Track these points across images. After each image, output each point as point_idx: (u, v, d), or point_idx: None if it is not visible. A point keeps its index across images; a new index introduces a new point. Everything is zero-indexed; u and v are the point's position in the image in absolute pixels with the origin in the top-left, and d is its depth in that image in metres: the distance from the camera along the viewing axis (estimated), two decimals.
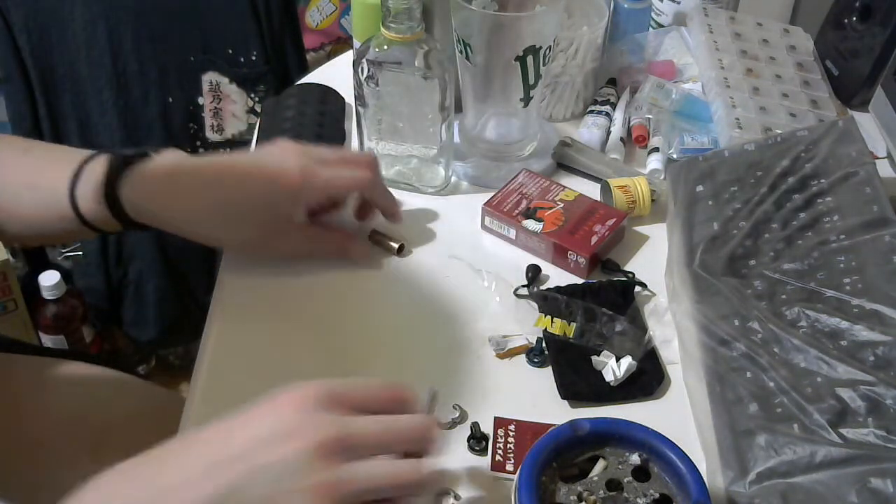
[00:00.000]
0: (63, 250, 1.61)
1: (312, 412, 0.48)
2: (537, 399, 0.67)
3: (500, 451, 0.62)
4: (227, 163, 0.74)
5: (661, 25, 1.06)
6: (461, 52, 0.80)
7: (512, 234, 0.79)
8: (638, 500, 0.53)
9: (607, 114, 0.93)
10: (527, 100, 0.82)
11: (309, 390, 0.48)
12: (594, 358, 0.68)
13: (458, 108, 0.87)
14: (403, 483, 0.49)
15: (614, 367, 0.67)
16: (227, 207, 0.71)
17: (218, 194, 0.71)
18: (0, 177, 0.73)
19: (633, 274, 0.76)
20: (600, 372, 0.68)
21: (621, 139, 0.90)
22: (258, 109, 1.52)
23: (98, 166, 0.70)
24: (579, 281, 0.76)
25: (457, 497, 0.60)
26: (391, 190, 0.79)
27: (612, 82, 0.98)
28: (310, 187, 0.71)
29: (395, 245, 0.78)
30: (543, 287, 0.75)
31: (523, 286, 0.75)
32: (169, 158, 0.71)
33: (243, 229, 0.72)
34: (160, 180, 0.70)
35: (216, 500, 0.46)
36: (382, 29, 0.75)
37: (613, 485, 0.54)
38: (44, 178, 0.72)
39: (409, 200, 0.83)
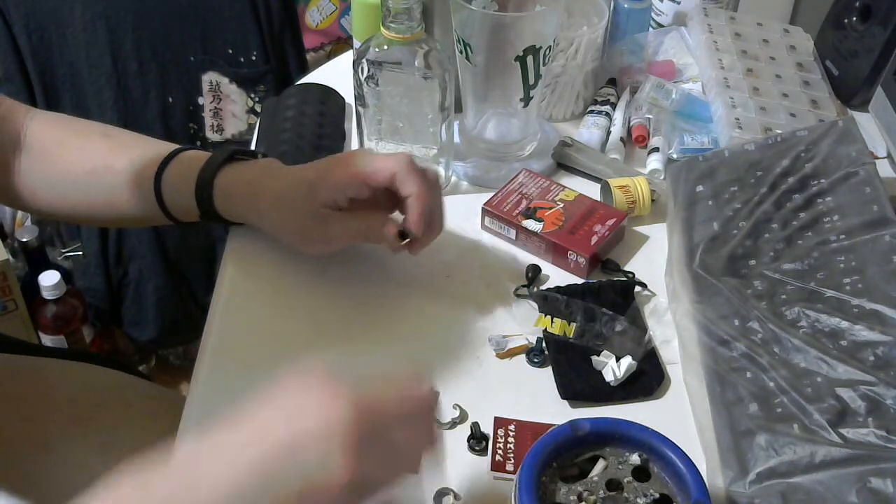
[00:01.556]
0: (63, 250, 1.61)
1: (335, 398, 0.47)
2: (537, 399, 0.67)
3: (500, 451, 0.62)
4: (297, 168, 0.73)
5: (661, 25, 1.06)
6: (461, 52, 0.80)
7: (512, 234, 0.79)
8: (638, 500, 0.53)
9: (607, 114, 0.93)
10: (527, 100, 0.82)
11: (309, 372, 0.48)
12: (594, 358, 0.68)
13: (458, 108, 0.87)
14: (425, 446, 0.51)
15: (614, 367, 0.67)
16: (281, 203, 0.71)
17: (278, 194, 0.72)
18: (71, 157, 0.76)
19: (633, 274, 0.76)
20: (600, 372, 0.68)
21: (621, 139, 0.90)
22: (258, 109, 1.52)
23: (194, 156, 0.74)
24: (579, 281, 0.76)
25: (457, 497, 0.60)
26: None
27: (612, 82, 0.98)
28: (343, 166, 0.70)
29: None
30: (543, 287, 0.75)
31: (523, 286, 0.75)
32: (266, 162, 0.75)
33: (298, 222, 0.71)
34: (252, 179, 0.73)
35: (255, 487, 0.46)
36: (382, 29, 0.75)
37: (613, 485, 0.54)
38: (121, 161, 0.75)
39: None
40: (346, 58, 1.05)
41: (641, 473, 0.54)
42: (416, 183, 0.68)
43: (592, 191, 0.84)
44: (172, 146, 0.76)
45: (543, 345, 0.70)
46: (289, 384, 0.49)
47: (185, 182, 0.72)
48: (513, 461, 0.62)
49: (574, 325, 0.70)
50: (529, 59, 0.79)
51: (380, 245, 0.72)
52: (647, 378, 0.68)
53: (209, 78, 1.49)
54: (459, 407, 0.65)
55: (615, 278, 0.76)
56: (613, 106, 0.94)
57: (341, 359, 0.51)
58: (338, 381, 0.48)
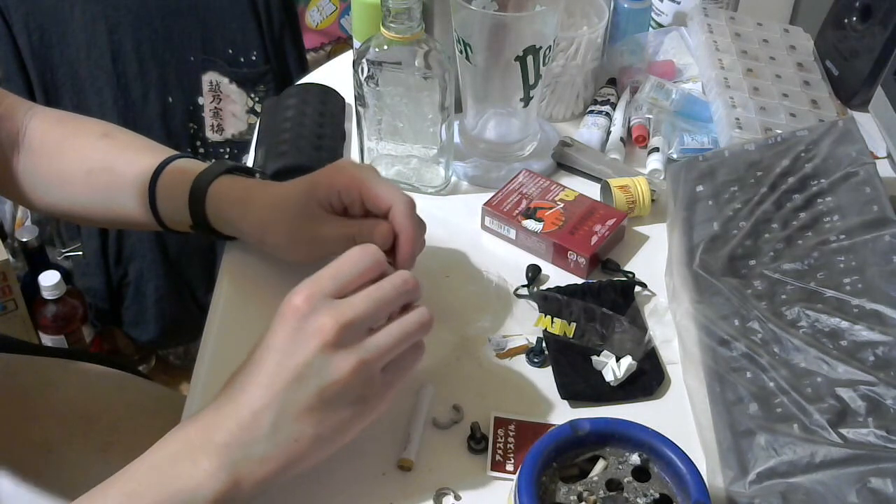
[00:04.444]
0: (63, 250, 1.61)
1: (308, 317, 0.54)
2: (537, 399, 0.67)
3: (500, 451, 0.62)
4: (296, 179, 0.72)
5: (661, 25, 1.06)
6: (461, 52, 0.80)
7: (512, 234, 0.79)
8: (638, 500, 0.53)
9: (607, 114, 0.93)
10: (527, 100, 0.82)
11: (296, 300, 0.54)
12: (594, 358, 0.68)
13: (458, 108, 0.87)
14: (415, 332, 0.57)
15: (614, 367, 0.67)
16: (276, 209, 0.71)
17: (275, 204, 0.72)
18: (70, 157, 0.76)
19: (633, 274, 0.76)
20: (600, 372, 0.68)
21: (621, 139, 0.90)
22: (258, 109, 1.52)
23: (190, 165, 0.73)
24: (579, 281, 0.76)
25: (457, 497, 0.60)
26: None
27: (612, 82, 0.98)
28: (347, 172, 0.68)
29: None
30: (543, 287, 0.75)
31: (523, 286, 0.75)
32: (262, 180, 0.75)
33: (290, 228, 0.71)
34: (247, 187, 0.72)
35: (280, 406, 0.53)
36: (382, 29, 0.75)
37: (613, 485, 0.54)
38: (120, 163, 0.75)
39: None
40: (346, 58, 1.05)
41: (641, 473, 0.54)
42: (410, 225, 0.66)
43: (592, 191, 0.84)
44: (170, 151, 0.75)
45: (543, 345, 0.70)
46: (273, 324, 0.55)
47: (178, 190, 0.72)
48: (513, 461, 0.62)
49: (574, 325, 0.70)
50: (529, 59, 0.79)
51: None
52: (647, 378, 0.68)
53: (209, 78, 1.49)
54: (459, 407, 0.65)
55: (615, 278, 0.76)
56: (613, 106, 0.94)
57: None
58: (299, 304, 0.54)
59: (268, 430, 0.53)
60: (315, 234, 0.69)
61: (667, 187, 0.81)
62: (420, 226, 0.67)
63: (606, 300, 0.73)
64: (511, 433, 0.63)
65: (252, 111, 1.53)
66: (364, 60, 0.77)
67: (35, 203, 0.79)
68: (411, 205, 0.66)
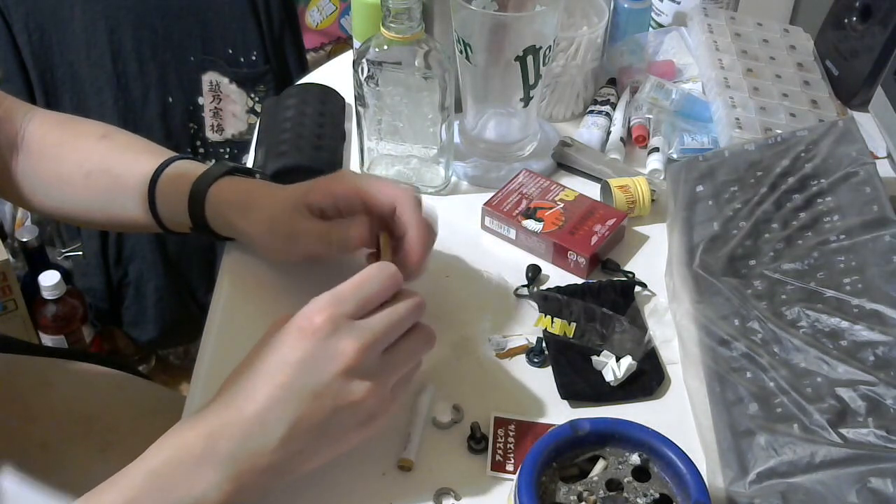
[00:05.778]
0: (63, 250, 1.61)
1: (330, 339, 0.54)
2: (537, 399, 0.67)
3: (500, 452, 0.62)
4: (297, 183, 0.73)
5: (661, 25, 1.06)
6: (461, 52, 0.80)
7: (512, 234, 0.79)
8: (638, 500, 0.53)
9: (607, 114, 0.93)
10: (527, 100, 0.82)
11: (317, 319, 0.54)
12: (594, 358, 0.68)
13: (458, 108, 0.87)
14: (423, 351, 0.59)
15: (614, 367, 0.67)
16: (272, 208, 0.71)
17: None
18: (69, 159, 0.76)
19: (633, 274, 0.76)
20: (600, 372, 0.68)
21: (621, 139, 0.90)
22: (258, 109, 1.52)
23: (190, 166, 0.73)
24: (579, 281, 0.76)
25: (457, 497, 0.60)
26: None
27: (612, 82, 0.98)
28: (345, 180, 0.69)
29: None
30: (543, 287, 0.75)
31: (523, 286, 0.75)
32: (264, 181, 0.75)
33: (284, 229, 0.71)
34: (248, 189, 0.73)
35: (293, 420, 0.53)
36: (382, 29, 0.75)
37: (613, 485, 0.54)
38: (119, 165, 0.75)
39: None
40: (346, 58, 1.05)
41: (641, 473, 0.54)
42: (419, 217, 0.66)
43: (592, 191, 0.84)
44: (170, 153, 0.75)
45: (543, 345, 0.70)
46: (279, 337, 0.55)
47: (178, 193, 0.72)
48: (513, 461, 0.62)
49: (574, 325, 0.70)
50: (529, 59, 0.79)
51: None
52: (647, 378, 0.68)
53: (209, 78, 1.49)
54: (459, 407, 0.65)
55: (615, 278, 0.75)
56: (613, 106, 0.94)
57: None
58: (319, 323, 0.54)
59: (276, 443, 0.53)
60: (291, 229, 0.69)
61: (667, 187, 0.82)
62: (428, 219, 0.67)
63: (606, 300, 0.73)
64: (511, 433, 0.63)
65: (252, 111, 1.53)
66: (364, 60, 0.77)
67: (34, 205, 0.79)
68: (415, 199, 0.67)
